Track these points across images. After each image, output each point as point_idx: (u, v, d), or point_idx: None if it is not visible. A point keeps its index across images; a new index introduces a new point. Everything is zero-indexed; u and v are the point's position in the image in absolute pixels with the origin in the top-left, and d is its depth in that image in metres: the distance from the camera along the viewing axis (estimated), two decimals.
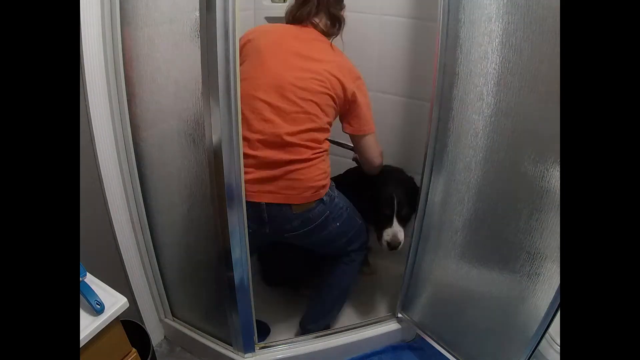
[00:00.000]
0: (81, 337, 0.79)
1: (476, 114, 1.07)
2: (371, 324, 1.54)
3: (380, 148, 1.43)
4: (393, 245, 1.43)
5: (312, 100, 1.19)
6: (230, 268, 1.17)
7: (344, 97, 1.25)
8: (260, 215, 1.23)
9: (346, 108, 1.29)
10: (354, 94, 1.26)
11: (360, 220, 1.44)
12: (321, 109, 1.21)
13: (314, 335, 1.49)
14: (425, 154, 1.22)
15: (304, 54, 1.24)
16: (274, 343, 1.44)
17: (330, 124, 1.27)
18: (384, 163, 1.51)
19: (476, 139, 1.09)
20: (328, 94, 1.22)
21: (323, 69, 1.22)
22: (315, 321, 1.54)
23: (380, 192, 1.46)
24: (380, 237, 1.46)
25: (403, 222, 1.45)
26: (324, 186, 1.25)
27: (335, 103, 1.24)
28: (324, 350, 1.45)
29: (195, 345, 1.49)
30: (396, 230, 1.43)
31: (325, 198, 1.26)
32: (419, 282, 1.43)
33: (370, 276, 1.93)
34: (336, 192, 1.33)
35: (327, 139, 1.27)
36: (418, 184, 1.32)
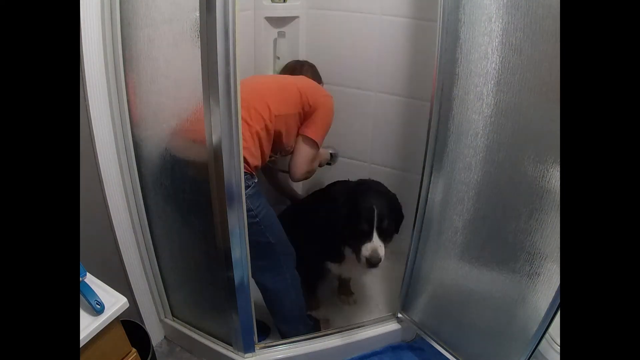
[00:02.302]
0: (81, 337, 0.79)
1: (476, 114, 1.07)
2: (371, 324, 1.54)
3: (309, 167, 1.49)
4: (373, 262, 1.29)
5: None
6: (230, 268, 1.17)
7: None
8: None
9: None
10: None
11: None
12: None
13: (314, 335, 1.49)
14: (425, 154, 1.22)
15: None
16: (274, 343, 1.44)
17: None
18: (366, 177, 1.55)
19: (476, 139, 1.09)
20: None
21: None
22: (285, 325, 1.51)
23: (358, 204, 1.34)
24: (358, 252, 1.32)
25: (384, 237, 1.32)
26: None
27: None
28: (324, 350, 1.45)
29: (195, 345, 1.49)
30: (376, 245, 1.29)
31: None
32: (419, 282, 1.42)
33: (370, 276, 1.93)
34: None
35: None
36: (417, 185, 1.30)
